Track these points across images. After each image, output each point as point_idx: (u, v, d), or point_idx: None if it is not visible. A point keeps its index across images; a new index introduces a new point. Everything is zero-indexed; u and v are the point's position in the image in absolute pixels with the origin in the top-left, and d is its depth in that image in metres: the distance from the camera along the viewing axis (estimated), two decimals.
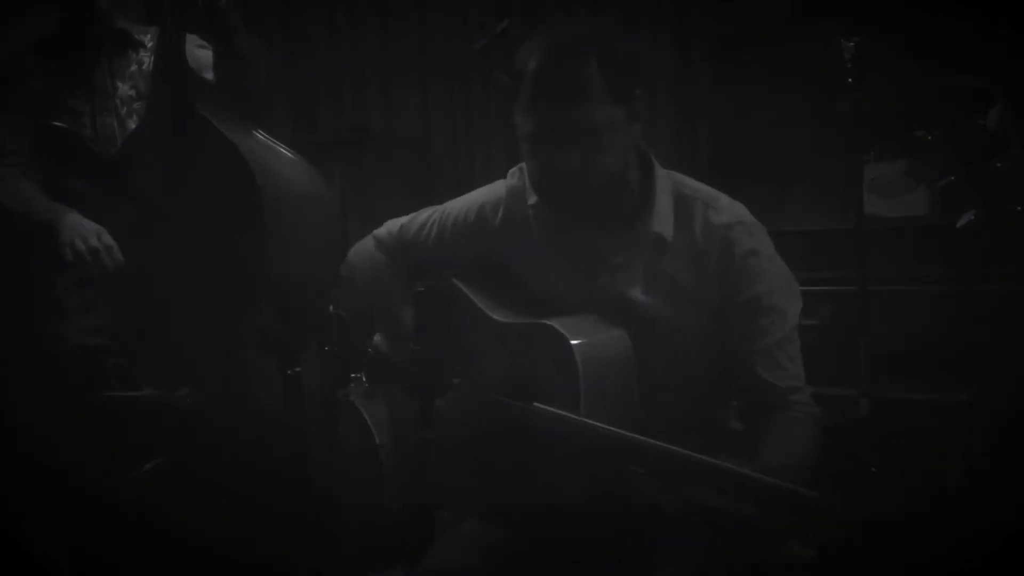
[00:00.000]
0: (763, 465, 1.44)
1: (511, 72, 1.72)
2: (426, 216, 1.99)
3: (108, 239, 2.31)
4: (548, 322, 1.72)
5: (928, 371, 2.93)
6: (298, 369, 1.95)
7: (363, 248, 2.07)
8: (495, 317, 1.85)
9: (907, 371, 2.96)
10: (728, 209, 1.75)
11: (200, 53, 2.41)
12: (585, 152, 1.66)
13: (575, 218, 1.78)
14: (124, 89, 2.53)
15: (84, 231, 2.31)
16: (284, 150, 2.27)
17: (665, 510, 1.62)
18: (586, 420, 1.62)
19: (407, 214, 2.06)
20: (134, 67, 2.55)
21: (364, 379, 3.01)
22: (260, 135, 2.25)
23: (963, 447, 2.55)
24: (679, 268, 1.74)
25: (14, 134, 2.46)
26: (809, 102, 3.37)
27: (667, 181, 1.78)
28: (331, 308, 2.62)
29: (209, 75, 2.36)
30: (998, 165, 2.25)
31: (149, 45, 2.56)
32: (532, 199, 1.81)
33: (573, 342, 1.67)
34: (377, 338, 2.05)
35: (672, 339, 1.73)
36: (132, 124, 2.51)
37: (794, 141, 3.66)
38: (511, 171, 1.92)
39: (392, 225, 2.04)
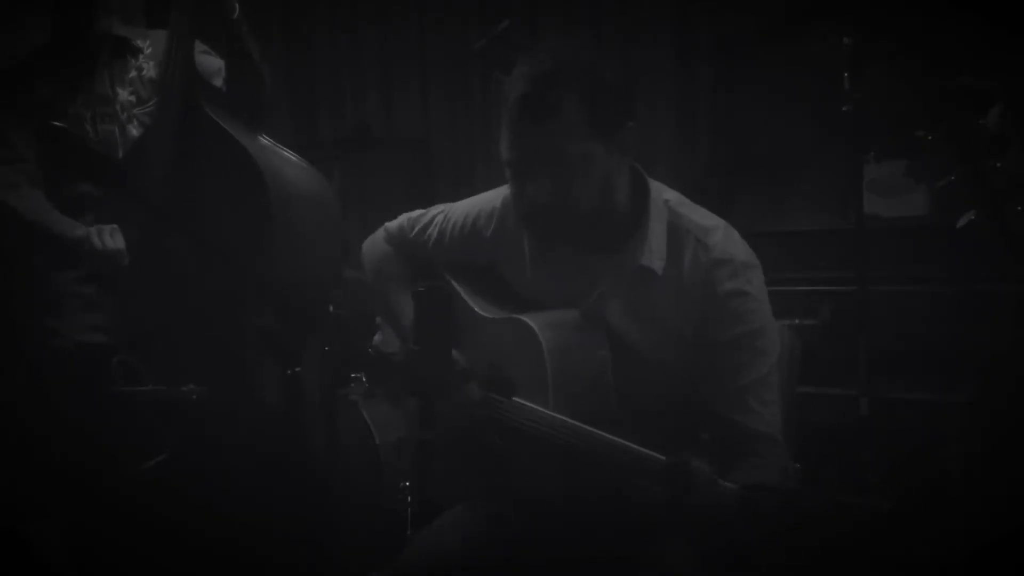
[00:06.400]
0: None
1: (502, 92, 1.70)
2: (431, 216, 2.00)
3: (120, 240, 2.33)
4: (521, 317, 1.73)
5: (928, 371, 2.92)
6: (298, 369, 1.95)
7: (375, 238, 2.09)
8: (480, 312, 1.86)
9: (907, 371, 2.96)
10: (719, 246, 1.69)
11: (205, 60, 2.43)
12: (555, 183, 1.64)
13: (561, 241, 1.76)
14: (124, 95, 2.54)
15: (101, 226, 2.34)
16: (288, 153, 2.30)
17: (642, 507, 1.62)
18: (553, 414, 1.62)
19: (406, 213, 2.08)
20: (133, 73, 2.56)
21: (364, 379, 3.01)
22: (264, 139, 2.28)
23: (963, 447, 2.55)
24: (664, 302, 1.71)
25: (23, 140, 2.46)
26: (809, 102, 3.37)
27: (663, 210, 1.73)
28: (331, 308, 2.62)
29: (217, 81, 2.39)
30: (998, 165, 2.25)
31: (148, 51, 2.57)
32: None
33: (542, 335, 1.68)
34: (377, 338, 2.06)
35: (647, 367, 1.71)
36: (132, 130, 2.53)
37: (794, 141, 3.66)
38: None
39: (403, 218, 2.05)
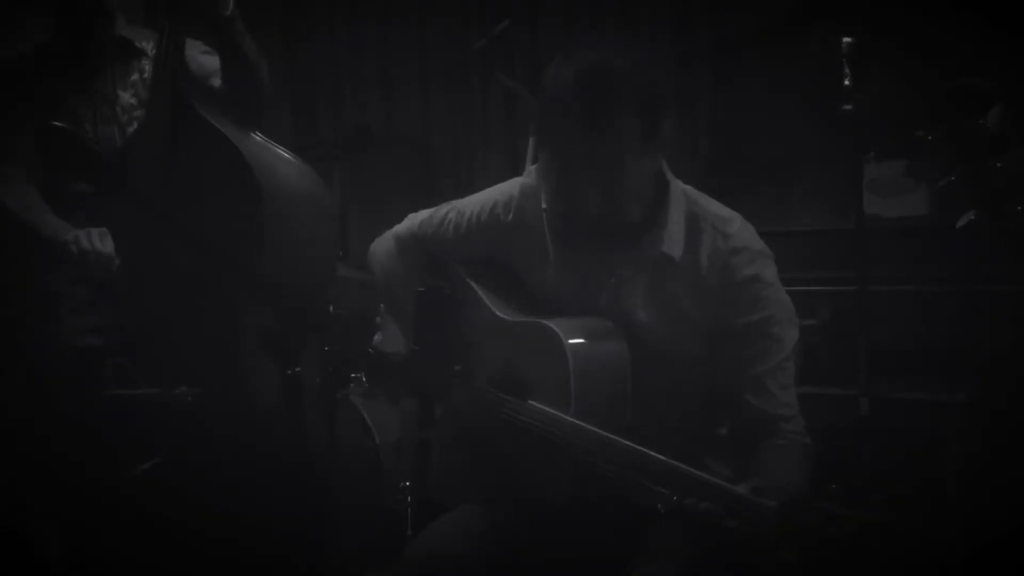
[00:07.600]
0: (751, 486, 1.44)
1: (536, 90, 1.72)
2: (444, 212, 2.01)
3: (109, 244, 2.32)
4: (547, 322, 1.74)
5: (928, 371, 2.92)
6: (298, 369, 1.95)
7: (384, 238, 2.10)
8: (500, 315, 1.87)
9: (907, 371, 2.96)
10: (737, 234, 1.74)
11: (205, 59, 2.43)
12: (605, 194, 1.66)
13: (584, 229, 1.77)
14: (125, 97, 2.54)
15: (90, 229, 2.33)
16: (281, 150, 2.30)
17: (647, 511, 1.62)
18: (574, 420, 1.63)
19: (407, 214, 2.08)
20: (136, 76, 2.56)
21: (364, 379, 3.01)
22: (257, 136, 2.28)
23: (963, 447, 2.55)
24: (681, 289, 1.74)
25: (21, 137, 2.46)
26: (809, 102, 3.37)
27: (681, 200, 1.77)
28: (331, 308, 2.62)
29: (216, 81, 2.39)
30: (998, 165, 2.25)
31: (151, 54, 2.57)
32: (545, 203, 1.82)
33: (568, 342, 1.69)
34: (377, 338, 2.05)
35: (666, 357, 1.74)
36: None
37: (794, 141, 3.66)
38: (528, 169, 1.92)
39: (413, 218, 2.06)
